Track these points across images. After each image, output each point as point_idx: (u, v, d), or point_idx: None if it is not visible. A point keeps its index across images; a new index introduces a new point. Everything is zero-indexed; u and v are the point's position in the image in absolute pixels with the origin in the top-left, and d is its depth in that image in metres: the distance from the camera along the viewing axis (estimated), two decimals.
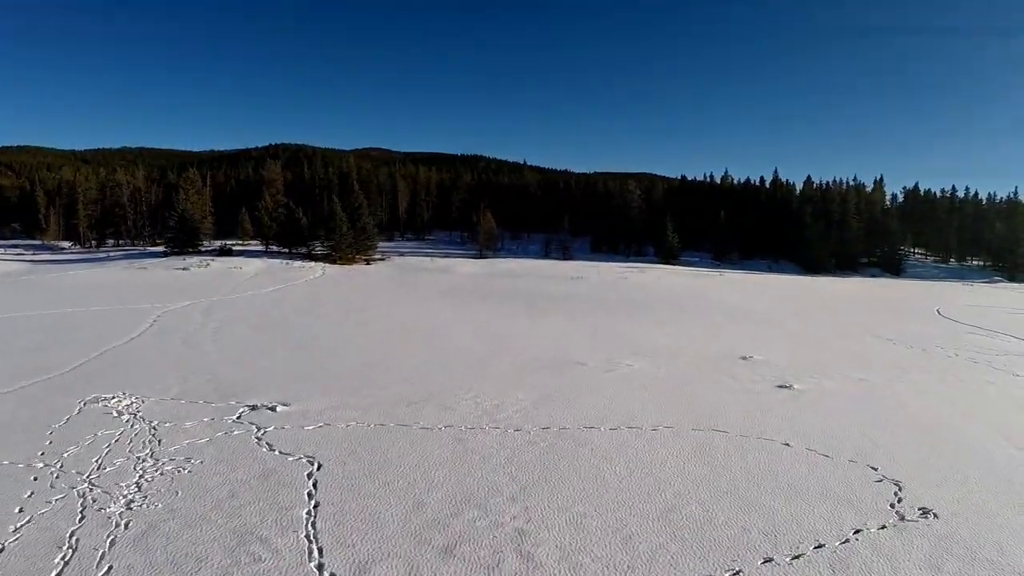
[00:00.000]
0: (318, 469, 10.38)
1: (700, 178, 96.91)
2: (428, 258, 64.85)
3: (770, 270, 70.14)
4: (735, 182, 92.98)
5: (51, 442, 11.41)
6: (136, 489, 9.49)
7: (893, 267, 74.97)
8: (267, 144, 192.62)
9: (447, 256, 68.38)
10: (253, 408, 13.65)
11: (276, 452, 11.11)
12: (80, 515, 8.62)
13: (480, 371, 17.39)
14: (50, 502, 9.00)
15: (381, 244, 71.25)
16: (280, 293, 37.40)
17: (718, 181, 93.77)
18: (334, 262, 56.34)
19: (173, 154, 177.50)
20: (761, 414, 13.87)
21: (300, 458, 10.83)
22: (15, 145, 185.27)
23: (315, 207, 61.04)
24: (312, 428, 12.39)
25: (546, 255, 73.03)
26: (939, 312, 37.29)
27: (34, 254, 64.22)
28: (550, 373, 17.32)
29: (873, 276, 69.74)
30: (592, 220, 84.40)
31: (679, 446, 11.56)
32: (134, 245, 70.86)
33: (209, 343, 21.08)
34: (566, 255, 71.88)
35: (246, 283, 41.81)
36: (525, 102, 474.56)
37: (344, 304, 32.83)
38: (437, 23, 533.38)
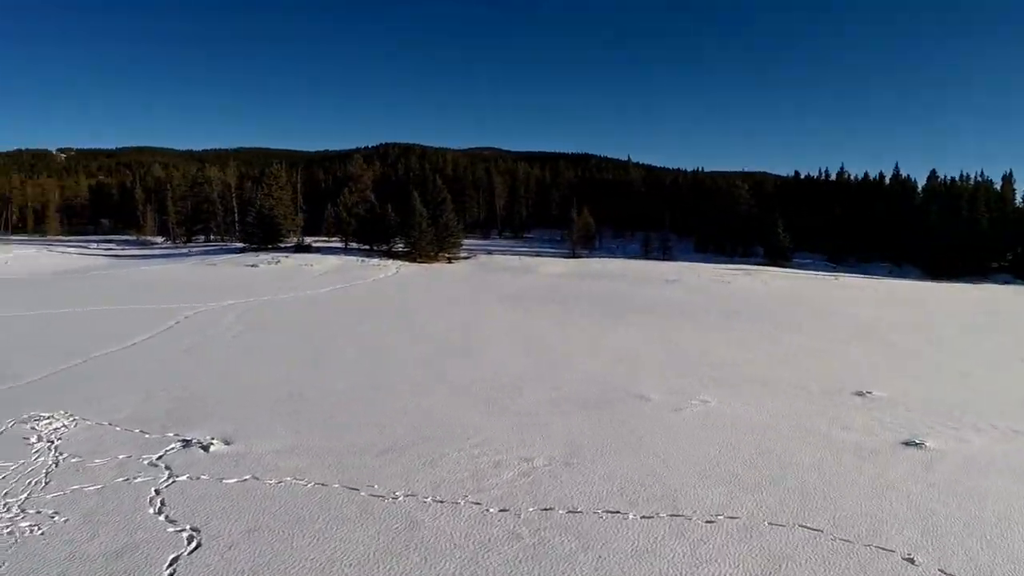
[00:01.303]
0: (191, 552, 7.95)
1: (814, 174, 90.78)
2: (517, 257, 62.71)
3: (891, 274, 63.09)
4: (852, 178, 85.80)
5: None
6: None
7: None
8: (377, 144, 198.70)
9: (538, 255, 66.11)
10: (186, 444, 11.62)
11: (161, 517, 8.85)
12: None
13: (505, 404, 14.49)
14: None
15: (476, 242, 70.20)
16: (337, 294, 36.29)
17: (833, 177, 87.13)
18: (414, 260, 55.46)
19: (285, 154, 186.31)
20: (877, 494, 10.03)
21: (182, 530, 8.47)
22: (134, 146, 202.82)
23: (404, 204, 60.46)
24: (233, 482, 10.05)
25: (645, 255, 69.55)
26: None
27: (123, 249, 68.78)
28: (593, 411, 14.12)
29: (1008, 283, 60.76)
30: (697, 219, 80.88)
31: (742, 555, 8.11)
32: (222, 241, 73.77)
33: (214, 351, 19.72)
34: (666, 255, 68.10)
35: (309, 282, 41.26)
36: (632, 94, 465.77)
37: (396, 308, 31.02)
38: (550, 20, 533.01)
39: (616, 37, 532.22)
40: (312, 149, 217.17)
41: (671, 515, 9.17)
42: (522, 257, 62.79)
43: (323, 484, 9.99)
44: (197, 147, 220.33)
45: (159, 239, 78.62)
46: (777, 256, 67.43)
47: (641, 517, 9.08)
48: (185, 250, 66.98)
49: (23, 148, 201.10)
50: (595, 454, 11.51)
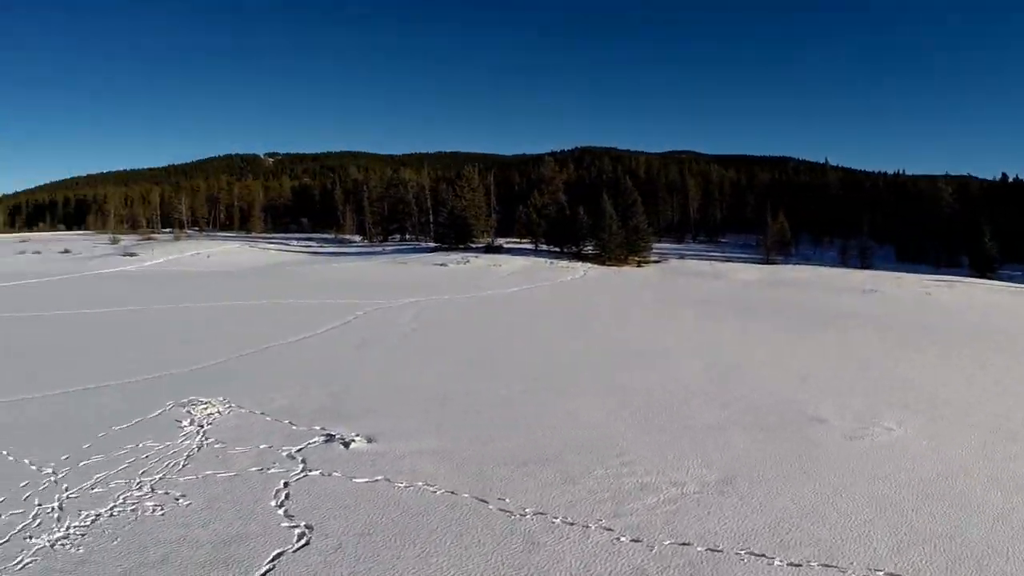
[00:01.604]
0: (296, 549, 7.54)
1: None
2: (708, 262, 59.58)
3: None
4: None
5: (90, 445, 10.98)
6: (82, 524, 8.17)
7: None
8: (572, 147, 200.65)
9: (729, 260, 62.35)
10: (329, 439, 11.47)
11: (280, 511, 8.61)
12: None
13: (667, 419, 12.97)
14: None
15: (668, 245, 68.16)
16: (521, 295, 36.22)
17: None
18: (603, 263, 54.68)
19: (480, 157, 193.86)
20: None
21: (295, 526, 8.12)
22: (336, 151, 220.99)
23: (594, 206, 59.96)
24: (362, 482, 9.63)
25: (842, 262, 63.27)
26: None
27: (321, 246, 74.63)
28: (761, 432, 12.17)
29: None
30: (897, 225, 74.57)
31: None
32: (416, 240, 77.54)
33: (381, 348, 20.06)
34: (864, 263, 61.52)
35: (494, 282, 41.75)
36: (830, 95, 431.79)
37: (577, 312, 30.15)
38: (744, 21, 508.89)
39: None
40: (508, 153, 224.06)
41: (823, 565, 7.36)
42: (713, 263, 59.63)
43: (452, 492, 9.24)
44: (396, 151, 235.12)
45: (356, 238, 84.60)
46: (983, 267, 59.36)
47: (788, 564, 7.35)
48: (379, 248, 71.05)
49: (234, 153, 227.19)
50: (753, 483, 9.75)
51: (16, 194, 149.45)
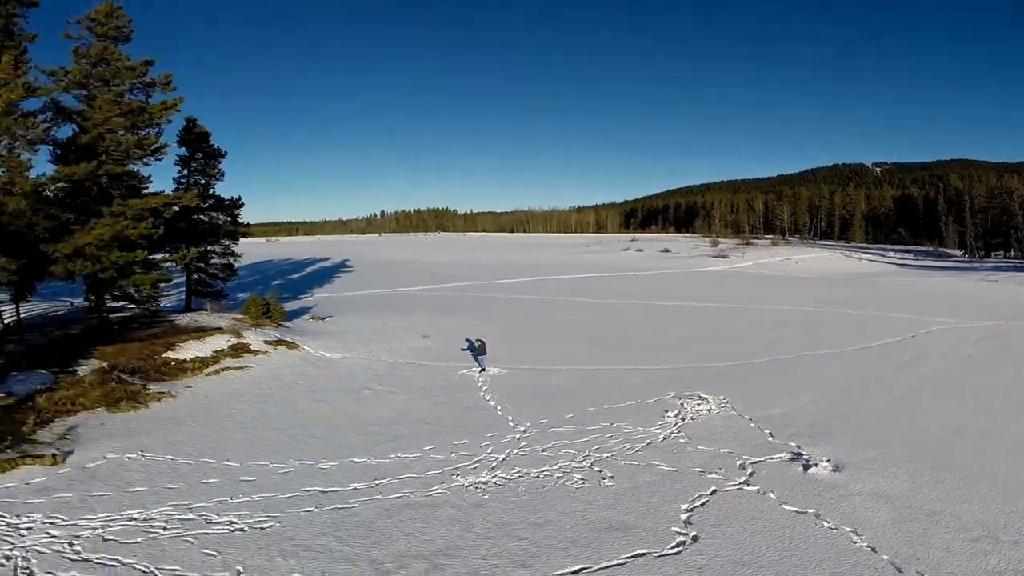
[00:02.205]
0: (661, 555, 7.52)
1: None
2: None
3: None
4: None
5: (572, 415, 13.10)
6: (506, 476, 9.74)
7: None
8: None
9: None
10: (795, 458, 10.81)
11: (684, 515, 8.65)
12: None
13: None
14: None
15: None
16: None
17: None
18: None
19: None
20: None
21: (682, 534, 8.09)
22: (947, 159, 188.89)
23: None
24: (790, 510, 8.84)
25: None
26: None
27: (916, 259, 67.05)
28: None
29: None
30: None
31: None
32: (1022, 258, 63.93)
33: (916, 372, 17.39)
34: None
35: None
36: None
37: None
38: None
39: None
40: None
41: None
42: None
43: (872, 549, 7.76)
44: (1011, 158, 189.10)
45: (956, 252, 73.35)
46: None
47: None
48: (977, 264, 60.51)
49: (841, 163, 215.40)
50: None
51: (633, 200, 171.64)
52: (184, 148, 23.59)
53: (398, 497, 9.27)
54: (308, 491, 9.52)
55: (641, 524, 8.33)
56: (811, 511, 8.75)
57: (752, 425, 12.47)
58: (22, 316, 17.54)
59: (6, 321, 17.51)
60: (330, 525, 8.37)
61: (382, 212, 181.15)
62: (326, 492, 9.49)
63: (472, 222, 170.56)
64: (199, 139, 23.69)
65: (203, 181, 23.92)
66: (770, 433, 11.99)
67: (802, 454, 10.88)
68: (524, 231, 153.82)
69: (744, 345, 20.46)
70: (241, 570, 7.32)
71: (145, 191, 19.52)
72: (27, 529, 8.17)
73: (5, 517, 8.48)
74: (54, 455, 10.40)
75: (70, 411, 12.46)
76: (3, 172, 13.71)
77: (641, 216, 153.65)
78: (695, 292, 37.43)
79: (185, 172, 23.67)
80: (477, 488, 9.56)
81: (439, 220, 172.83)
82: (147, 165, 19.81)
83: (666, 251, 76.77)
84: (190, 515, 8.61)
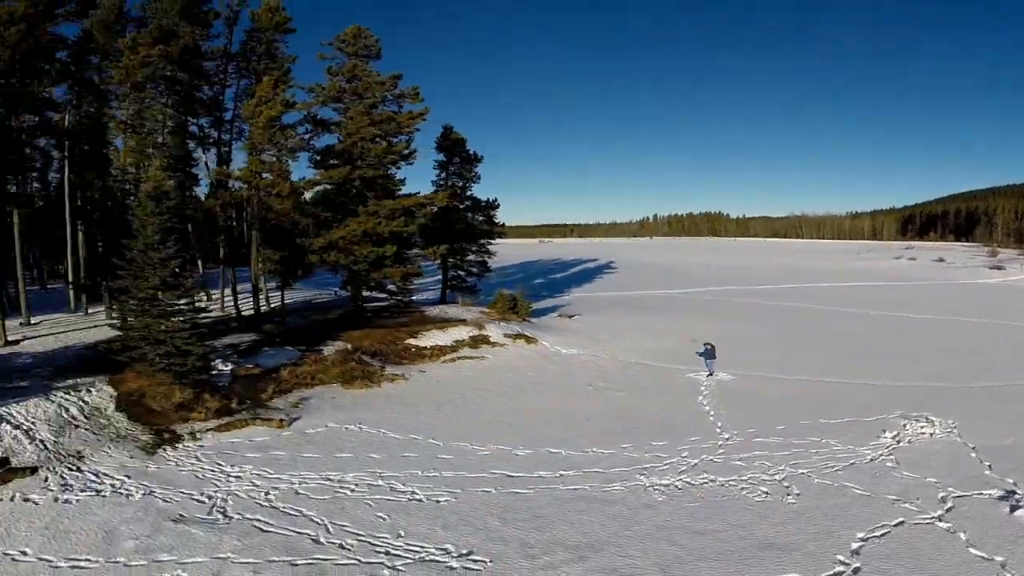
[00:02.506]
0: None
1: None
2: None
3: None
4: None
5: (785, 428, 13.02)
6: (689, 480, 10.11)
7: None
8: None
9: None
10: (1005, 496, 9.65)
11: (855, 544, 8.21)
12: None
13: None
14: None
15: None
16: None
17: None
18: None
19: None
20: None
21: (841, 563, 7.73)
22: None
23: None
24: (975, 554, 7.98)
25: None
26: None
27: None
28: None
29: None
30: None
31: None
32: None
33: None
34: None
35: None
36: None
37: None
38: None
39: None
40: None
41: None
42: None
43: None
44: None
45: None
46: None
47: None
48: None
49: None
50: None
51: (912, 205, 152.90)
52: (442, 153, 26.34)
53: (575, 489, 9.86)
54: (495, 474, 10.44)
55: (805, 547, 8.07)
56: (998, 559, 7.83)
57: (972, 455, 11.31)
58: (287, 302, 20.58)
59: (271, 305, 20.63)
60: (500, 506, 9.18)
61: (654, 215, 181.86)
62: (512, 476, 10.35)
63: (744, 227, 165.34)
64: (455, 145, 26.34)
65: (460, 184, 26.36)
66: (989, 465, 10.80)
67: (1015, 492, 9.68)
68: (797, 236, 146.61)
69: (999, 367, 18.40)
70: (402, 533, 8.34)
71: (399, 193, 21.95)
72: (236, 477, 10.04)
73: (222, 465, 10.47)
74: (282, 420, 12.46)
75: (309, 384, 14.65)
76: (268, 176, 16.37)
77: (920, 222, 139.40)
78: (958, 306, 33.71)
79: (443, 175, 26.32)
80: (656, 489, 9.86)
81: (711, 224, 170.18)
82: (398, 169, 22.34)
83: (940, 260, 70.29)
84: (380, 482, 9.96)
